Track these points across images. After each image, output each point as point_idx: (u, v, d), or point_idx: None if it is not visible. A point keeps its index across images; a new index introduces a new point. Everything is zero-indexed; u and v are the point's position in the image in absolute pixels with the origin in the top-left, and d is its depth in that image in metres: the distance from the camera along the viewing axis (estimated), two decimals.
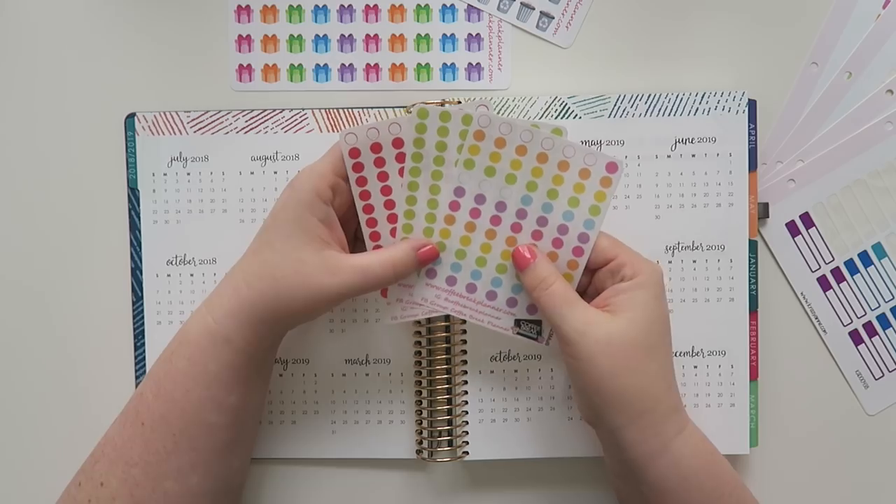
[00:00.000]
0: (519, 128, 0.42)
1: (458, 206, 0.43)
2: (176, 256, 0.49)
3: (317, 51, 0.50)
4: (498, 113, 0.49)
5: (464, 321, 0.48)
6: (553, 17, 0.50)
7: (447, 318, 0.48)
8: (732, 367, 0.48)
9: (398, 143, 0.42)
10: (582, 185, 0.42)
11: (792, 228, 0.50)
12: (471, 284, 0.44)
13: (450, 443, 0.48)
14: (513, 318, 0.44)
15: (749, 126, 0.48)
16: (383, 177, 0.43)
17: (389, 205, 0.43)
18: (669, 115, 0.48)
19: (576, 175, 0.42)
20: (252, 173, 0.49)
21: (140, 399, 0.43)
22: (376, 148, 0.42)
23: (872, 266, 0.50)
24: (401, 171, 0.43)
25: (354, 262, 0.42)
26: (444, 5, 0.50)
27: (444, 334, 0.48)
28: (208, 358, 0.42)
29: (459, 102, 0.48)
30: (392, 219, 0.44)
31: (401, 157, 0.43)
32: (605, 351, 0.40)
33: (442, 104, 0.48)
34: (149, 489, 0.41)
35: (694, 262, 0.48)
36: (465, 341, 0.48)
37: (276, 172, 0.49)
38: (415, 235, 0.44)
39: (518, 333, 0.44)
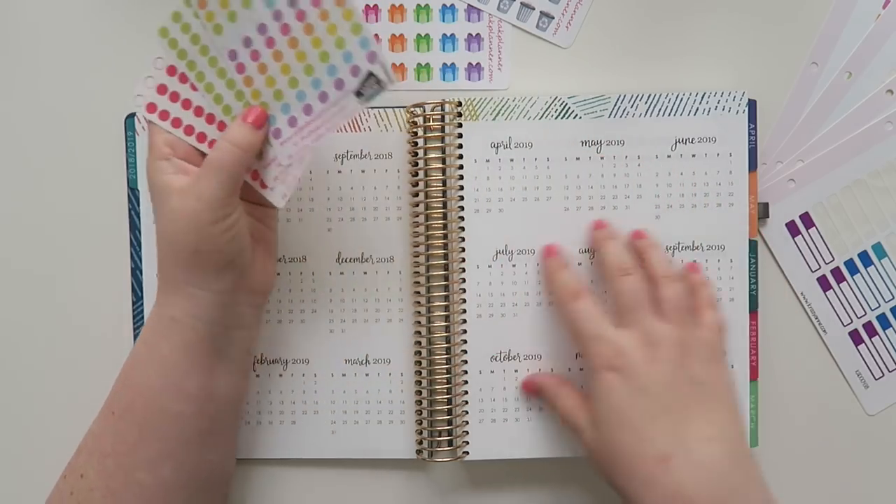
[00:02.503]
0: None
1: (243, 65, 0.43)
2: None
3: None
4: (498, 114, 0.49)
5: (465, 320, 0.48)
6: (553, 17, 0.50)
7: (447, 318, 0.48)
8: (732, 367, 0.48)
9: (171, 70, 0.43)
10: (333, 26, 0.41)
11: (792, 228, 0.50)
12: (305, 106, 0.42)
13: (450, 443, 0.48)
14: (351, 93, 0.42)
15: (749, 126, 0.48)
16: (186, 103, 0.44)
17: (199, 112, 0.44)
18: (669, 115, 0.48)
19: (322, 27, 0.41)
20: None
21: (112, 389, 0.43)
22: (162, 89, 0.43)
23: (872, 266, 0.50)
24: (192, 86, 0.43)
25: (202, 167, 0.41)
26: (444, 5, 0.50)
27: (444, 334, 0.48)
28: (160, 339, 0.41)
29: (459, 103, 0.48)
30: (210, 119, 0.44)
31: (183, 78, 0.43)
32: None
33: (442, 105, 0.48)
34: (122, 480, 0.41)
35: (694, 262, 0.48)
36: (465, 341, 0.48)
37: None
38: (236, 112, 0.43)
39: (367, 100, 0.42)
